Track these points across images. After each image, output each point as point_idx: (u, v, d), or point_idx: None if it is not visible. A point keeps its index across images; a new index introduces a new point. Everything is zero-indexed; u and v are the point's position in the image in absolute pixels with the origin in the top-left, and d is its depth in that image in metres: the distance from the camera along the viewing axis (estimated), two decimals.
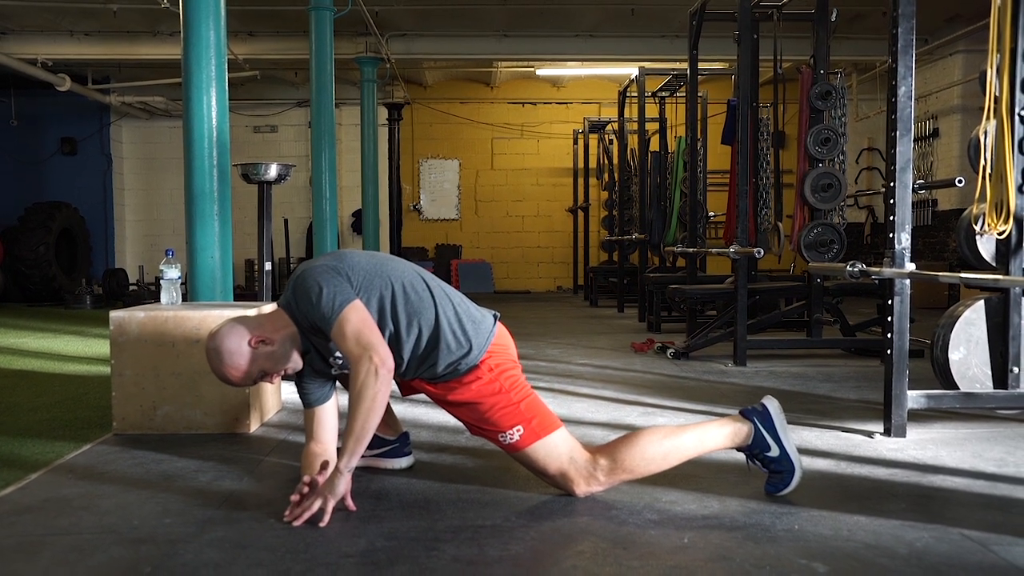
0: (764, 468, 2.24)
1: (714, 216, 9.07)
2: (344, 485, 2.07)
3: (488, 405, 2.21)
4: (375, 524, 2.03)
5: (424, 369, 2.25)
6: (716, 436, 2.23)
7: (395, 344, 2.21)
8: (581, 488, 2.21)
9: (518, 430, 2.19)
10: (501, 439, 2.22)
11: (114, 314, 3.05)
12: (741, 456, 2.33)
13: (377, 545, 1.89)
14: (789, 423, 2.29)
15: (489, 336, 2.26)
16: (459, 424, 3.16)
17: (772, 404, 2.25)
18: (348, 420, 2.07)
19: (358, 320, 2.11)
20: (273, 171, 4.20)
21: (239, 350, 2.18)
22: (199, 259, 3.73)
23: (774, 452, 2.21)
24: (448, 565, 1.77)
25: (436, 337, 2.21)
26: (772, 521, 2.04)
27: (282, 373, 2.27)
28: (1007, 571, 1.73)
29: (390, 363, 2.10)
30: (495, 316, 2.35)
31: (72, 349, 5.74)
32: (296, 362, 2.27)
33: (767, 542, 1.89)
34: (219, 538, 1.94)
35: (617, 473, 2.20)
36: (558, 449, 2.20)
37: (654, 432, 2.24)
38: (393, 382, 2.20)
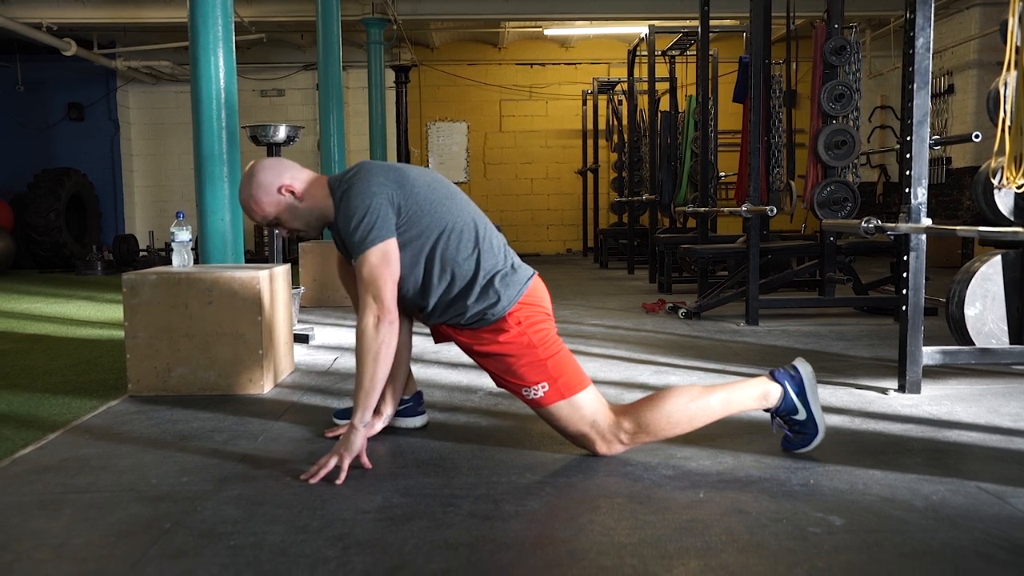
0: (788, 430, 2.22)
1: (725, 176, 8.99)
2: (360, 441, 2.07)
3: (514, 358, 2.17)
4: (391, 481, 2.04)
5: (451, 315, 2.22)
6: (744, 398, 2.18)
7: (424, 288, 2.19)
8: (601, 449, 2.20)
9: (543, 387, 2.16)
10: (525, 394, 2.19)
11: (127, 276, 3.05)
12: (757, 414, 2.32)
13: (393, 501, 1.90)
14: None
15: (521, 289, 2.20)
16: (472, 383, 3.19)
17: (805, 368, 2.19)
18: (356, 374, 2.08)
19: (379, 263, 2.08)
20: (282, 133, 4.18)
21: (268, 187, 2.19)
22: (209, 222, 3.72)
23: (801, 415, 2.17)
24: (464, 520, 1.78)
25: (467, 287, 2.18)
26: (787, 476, 2.04)
27: (295, 230, 2.28)
28: None
29: (393, 316, 2.08)
30: (533, 272, 2.29)
31: (85, 314, 5.77)
32: (312, 230, 2.28)
33: (783, 497, 1.90)
34: (236, 496, 1.95)
35: (640, 436, 2.17)
36: (581, 411, 2.17)
37: (681, 395, 2.17)
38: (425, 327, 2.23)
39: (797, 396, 2.17)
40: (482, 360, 2.27)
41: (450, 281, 2.18)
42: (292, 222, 2.24)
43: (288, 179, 2.21)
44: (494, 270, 2.20)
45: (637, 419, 2.16)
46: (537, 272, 2.32)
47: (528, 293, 2.22)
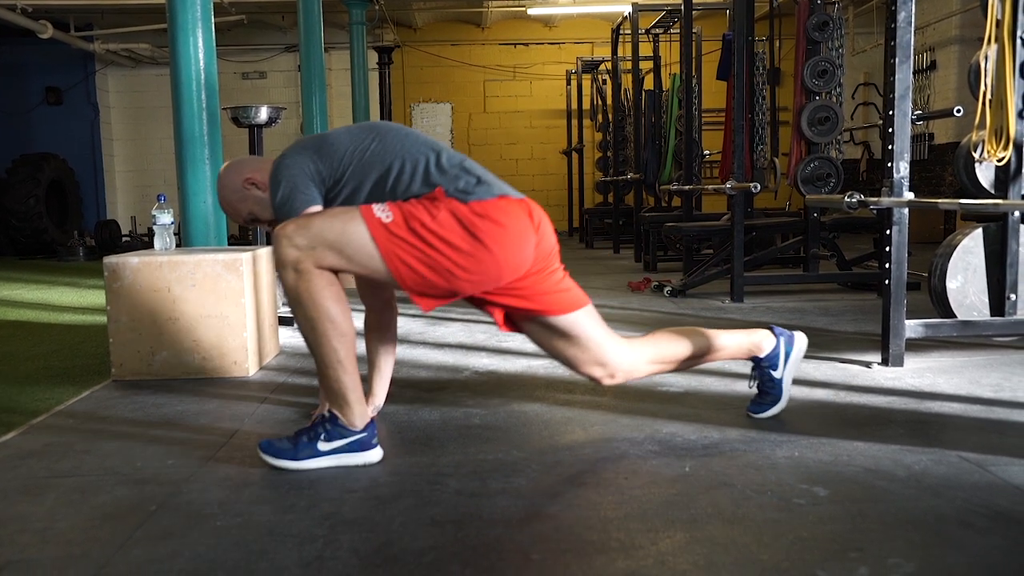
0: (759, 387, 2.30)
1: (709, 155, 9.00)
2: None
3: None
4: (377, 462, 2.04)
5: None
6: (740, 344, 2.26)
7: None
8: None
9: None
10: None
11: (108, 260, 3.02)
12: (742, 390, 2.34)
13: (380, 480, 1.90)
14: None
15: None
16: (459, 363, 3.19)
17: (802, 341, 2.30)
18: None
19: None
20: (263, 114, 4.14)
21: (232, 185, 2.15)
22: (191, 204, 3.69)
23: (778, 374, 2.27)
24: (451, 497, 1.78)
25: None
26: (772, 449, 2.05)
27: (270, 221, 2.17)
28: (1004, 489, 1.75)
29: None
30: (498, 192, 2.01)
31: (67, 300, 5.72)
32: None
33: (768, 469, 1.91)
34: (222, 477, 1.95)
35: (653, 367, 2.22)
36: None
37: (689, 332, 2.25)
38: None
39: (784, 355, 2.26)
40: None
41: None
42: (263, 214, 2.17)
43: (249, 172, 2.15)
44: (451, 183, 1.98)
45: (658, 352, 2.20)
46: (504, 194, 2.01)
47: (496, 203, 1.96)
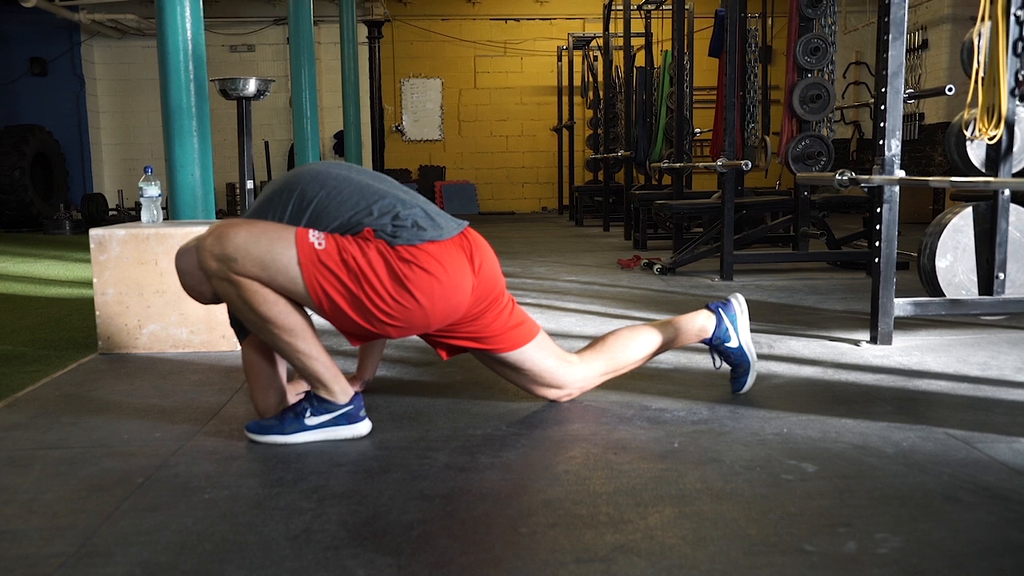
0: (726, 362, 2.32)
1: (700, 133, 8.97)
2: None
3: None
4: (366, 435, 2.03)
5: None
6: (687, 331, 2.29)
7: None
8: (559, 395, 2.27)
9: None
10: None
11: (94, 232, 2.99)
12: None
13: (368, 455, 1.89)
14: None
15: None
16: None
17: (739, 301, 2.32)
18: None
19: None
20: (252, 86, 4.10)
21: (191, 271, 2.07)
22: (179, 177, 3.65)
23: (733, 344, 2.28)
24: (440, 472, 1.78)
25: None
26: (761, 426, 2.06)
27: None
28: (990, 466, 1.76)
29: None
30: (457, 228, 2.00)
31: (53, 273, 5.68)
32: None
33: (757, 445, 1.91)
34: (210, 451, 1.94)
35: (607, 376, 2.28)
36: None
37: (636, 334, 2.29)
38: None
39: (731, 324, 2.28)
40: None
41: None
42: None
43: None
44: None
45: (610, 363, 2.25)
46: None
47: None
